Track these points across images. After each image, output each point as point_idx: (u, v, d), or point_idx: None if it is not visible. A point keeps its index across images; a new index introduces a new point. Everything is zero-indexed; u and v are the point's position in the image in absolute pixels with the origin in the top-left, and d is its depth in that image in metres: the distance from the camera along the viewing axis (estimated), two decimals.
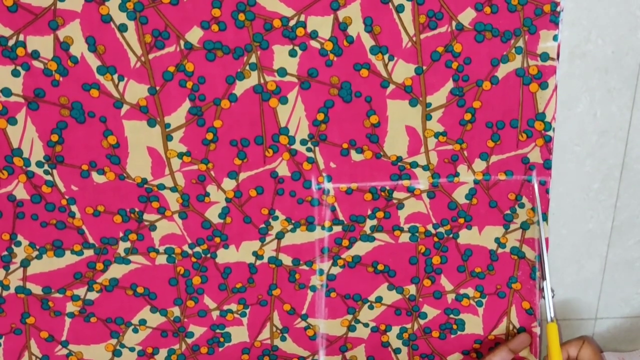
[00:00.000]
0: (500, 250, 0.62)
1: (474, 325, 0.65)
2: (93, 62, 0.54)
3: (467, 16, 0.54)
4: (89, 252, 0.60)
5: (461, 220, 0.61)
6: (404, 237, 0.62)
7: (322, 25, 0.54)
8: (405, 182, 0.59)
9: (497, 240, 0.62)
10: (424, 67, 0.56)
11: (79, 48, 0.53)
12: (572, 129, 0.59)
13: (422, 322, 0.65)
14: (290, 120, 0.57)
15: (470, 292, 0.64)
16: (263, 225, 0.60)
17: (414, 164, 0.59)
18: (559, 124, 0.59)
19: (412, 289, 0.64)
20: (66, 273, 0.60)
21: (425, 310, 0.65)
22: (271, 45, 0.54)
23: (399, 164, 0.59)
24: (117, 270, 0.61)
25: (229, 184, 0.59)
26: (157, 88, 0.55)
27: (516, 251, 0.62)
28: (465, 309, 0.64)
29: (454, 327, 0.65)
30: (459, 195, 0.60)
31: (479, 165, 0.59)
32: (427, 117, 0.57)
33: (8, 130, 0.55)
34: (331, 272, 0.63)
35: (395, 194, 0.60)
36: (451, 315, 0.65)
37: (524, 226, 0.61)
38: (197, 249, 0.61)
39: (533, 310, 0.64)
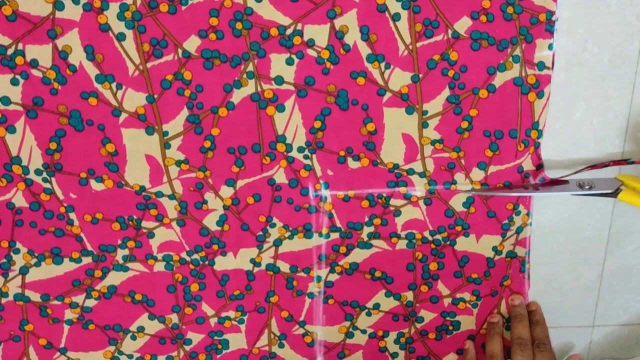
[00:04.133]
0: (497, 258, 0.63)
1: (468, 323, 0.66)
2: (91, 70, 0.54)
3: (463, 24, 0.55)
4: (87, 260, 0.60)
5: (458, 228, 0.61)
6: (401, 244, 0.62)
7: (318, 33, 0.54)
8: (402, 189, 0.60)
9: (494, 248, 0.62)
10: (420, 75, 0.56)
11: (77, 57, 0.54)
12: (568, 137, 0.59)
13: (418, 325, 0.65)
14: (288, 128, 0.57)
15: (466, 297, 0.64)
16: (261, 233, 0.60)
17: (411, 171, 0.59)
18: (556, 131, 0.59)
19: (409, 295, 0.64)
20: (64, 280, 0.61)
21: (422, 314, 0.65)
22: (268, 54, 0.55)
23: (396, 171, 0.59)
24: (115, 278, 0.61)
25: (226, 191, 0.59)
26: (155, 96, 0.55)
27: (510, 254, 0.63)
28: (462, 311, 0.65)
29: (450, 327, 0.65)
30: (456, 203, 0.60)
31: (477, 174, 0.59)
32: (423, 124, 0.57)
33: (7, 139, 0.56)
34: (329, 279, 0.63)
35: (392, 201, 0.60)
36: (447, 318, 0.65)
37: (518, 230, 0.62)
38: (195, 256, 0.61)
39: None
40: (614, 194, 0.57)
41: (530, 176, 0.59)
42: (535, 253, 0.63)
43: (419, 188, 0.60)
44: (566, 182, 0.58)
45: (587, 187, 0.57)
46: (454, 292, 0.64)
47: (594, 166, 0.59)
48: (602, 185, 0.58)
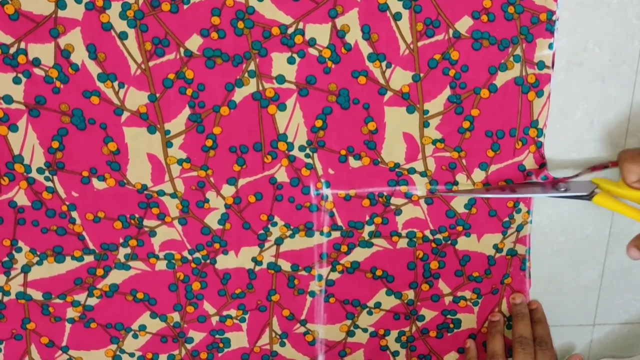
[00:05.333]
0: (497, 255, 0.63)
1: (469, 321, 0.66)
2: (94, 69, 0.54)
3: (464, 24, 0.55)
4: (89, 258, 0.60)
5: (459, 228, 0.61)
6: (402, 243, 0.62)
7: (320, 32, 0.54)
8: (403, 188, 0.60)
9: (495, 246, 0.62)
10: (422, 75, 0.56)
11: (79, 56, 0.54)
12: (569, 136, 0.59)
13: (419, 324, 0.65)
14: (289, 127, 0.57)
15: (467, 295, 0.64)
16: (262, 231, 0.61)
17: (412, 170, 0.59)
18: (557, 131, 0.59)
19: (410, 294, 0.64)
20: (66, 279, 0.61)
21: (423, 313, 0.65)
22: (270, 53, 0.55)
23: (397, 170, 0.59)
24: (117, 276, 0.61)
25: (228, 190, 0.59)
26: (157, 95, 0.55)
27: (510, 252, 0.63)
28: (462, 309, 0.65)
29: (451, 325, 0.66)
30: (458, 205, 0.60)
31: (479, 175, 0.59)
32: (424, 124, 0.58)
33: (9, 137, 0.56)
34: (330, 277, 0.63)
35: (393, 200, 0.60)
36: (448, 316, 0.65)
37: (519, 228, 0.62)
38: (197, 254, 0.61)
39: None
40: (589, 197, 0.57)
41: (533, 174, 0.59)
42: (535, 252, 0.63)
43: (420, 187, 0.60)
44: (543, 184, 0.58)
45: (562, 189, 0.57)
46: (454, 290, 0.64)
47: (594, 167, 0.59)
48: (578, 188, 0.58)
